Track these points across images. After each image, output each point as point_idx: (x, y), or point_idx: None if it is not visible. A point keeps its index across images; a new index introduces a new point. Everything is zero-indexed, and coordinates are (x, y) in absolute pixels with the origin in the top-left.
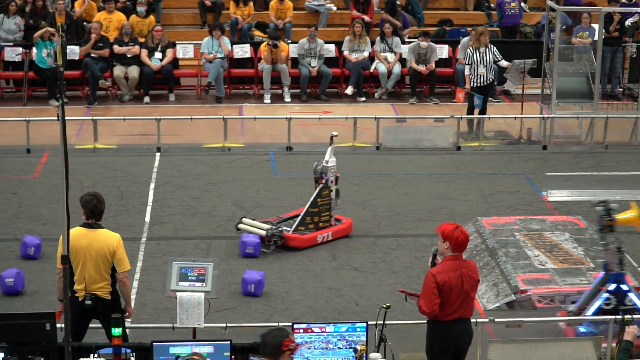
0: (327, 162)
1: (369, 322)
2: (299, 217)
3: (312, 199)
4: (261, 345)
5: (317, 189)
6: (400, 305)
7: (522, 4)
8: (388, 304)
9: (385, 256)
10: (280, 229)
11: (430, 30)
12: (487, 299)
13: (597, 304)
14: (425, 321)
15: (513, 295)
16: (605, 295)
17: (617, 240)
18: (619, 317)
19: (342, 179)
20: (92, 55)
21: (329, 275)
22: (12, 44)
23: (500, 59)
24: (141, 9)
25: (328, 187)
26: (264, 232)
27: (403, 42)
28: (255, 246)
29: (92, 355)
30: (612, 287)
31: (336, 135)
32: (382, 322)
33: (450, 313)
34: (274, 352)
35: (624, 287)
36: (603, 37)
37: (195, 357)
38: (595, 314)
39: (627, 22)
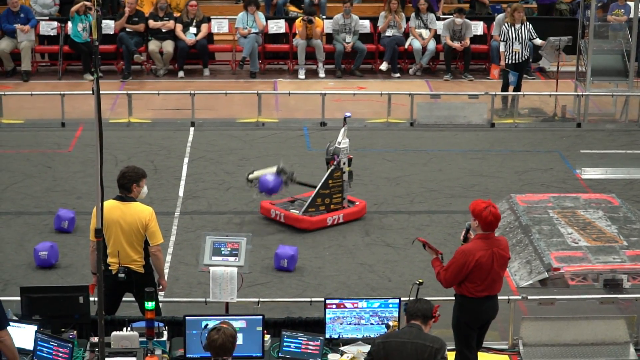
0: (339, 143)
1: (402, 298)
2: (310, 199)
3: (323, 180)
4: (411, 311)
5: (329, 171)
6: (432, 281)
7: None
8: (421, 280)
9: (418, 232)
10: (292, 170)
11: (465, 7)
12: (520, 276)
13: None
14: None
15: (546, 273)
16: None
17: None
18: None
19: (376, 154)
20: (127, 29)
21: (362, 251)
22: (47, 18)
23: (535, 36)
24: None
25: (340, 169)
26: (274, 169)
27: (438, 19)
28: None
29: (125, 328)
30: None
31: (349, 116)
32: (414, 298)
33: (480, 290)
34: (427, 315)
35: None
36: None
37: (224, 325)
38: None
39: None
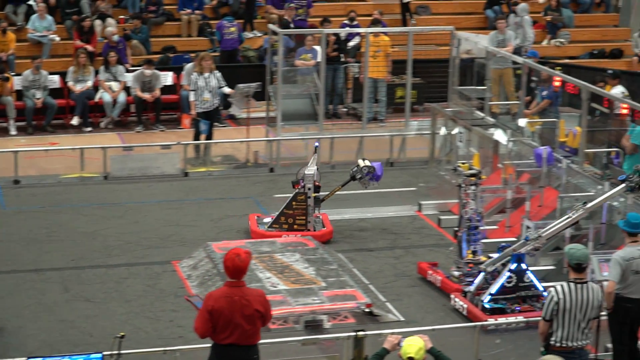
0: (307, 169)
1: (104, 353)
2: (275, 216)
3: (287, 201)
4: None
5: (294, 193)
6: (134, 334)
7: (244, 32)
8: (122, 334)
9: (117, 285)
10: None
11: (154, 58)
12: None
13: (500, 282)
14: (159, 349)
15: None
16: (508, 274)
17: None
18: (353, 334)
19: (71, 210)
20: None
21: (62, 307)
22: None
23: (223, 85)
24: None
25: (304, 193)
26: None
27: (127, 71)
28: None
29: None
30: (513, 266)
31: (317, 146)
32: (117, 352)
33: (222, 338)
34: None
35: (523, 266)
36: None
37: None
38: (498, 291)
39: (350, 43)
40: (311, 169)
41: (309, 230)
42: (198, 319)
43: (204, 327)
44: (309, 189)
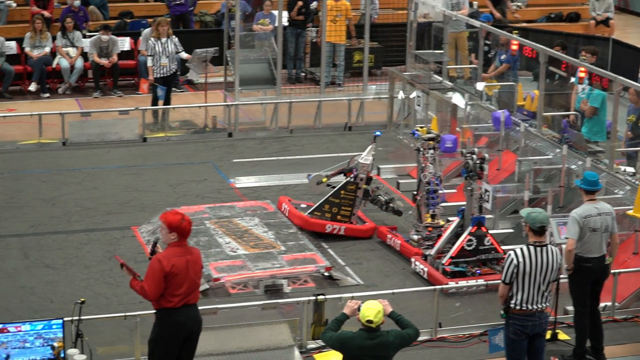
0: (361, 158)
1: (65, 319)
2: (319, 202)
3: (336, 188)
4: None
5: (344, 181)
6: (94, 300)
7: None
8: (83, 299)
9: (76, 251)
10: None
11: (111, 23)
12: None
13: (460, 245)
14: (119, 314)
15: (207, 284)
16: (468, 237)
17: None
18: (313, 298)
19: (29, 176)
20: None
21: (22, 273)
22: None
23: (180, 50)
24: None
25: (355, 183)
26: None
27: (84, 36)
28: None
29: None
30: (473, 229)
31: (377, 135)
32: (77, 317)
33: (177, 300)
34: None
35: (483, 229)
36: (289, 21)
37: None
38: (458, 254)
39: (311, 6)
40: (367, 159)
41: (352, 223)
42: (151, 281)
43: (159, 288)
44: (361, 179)
